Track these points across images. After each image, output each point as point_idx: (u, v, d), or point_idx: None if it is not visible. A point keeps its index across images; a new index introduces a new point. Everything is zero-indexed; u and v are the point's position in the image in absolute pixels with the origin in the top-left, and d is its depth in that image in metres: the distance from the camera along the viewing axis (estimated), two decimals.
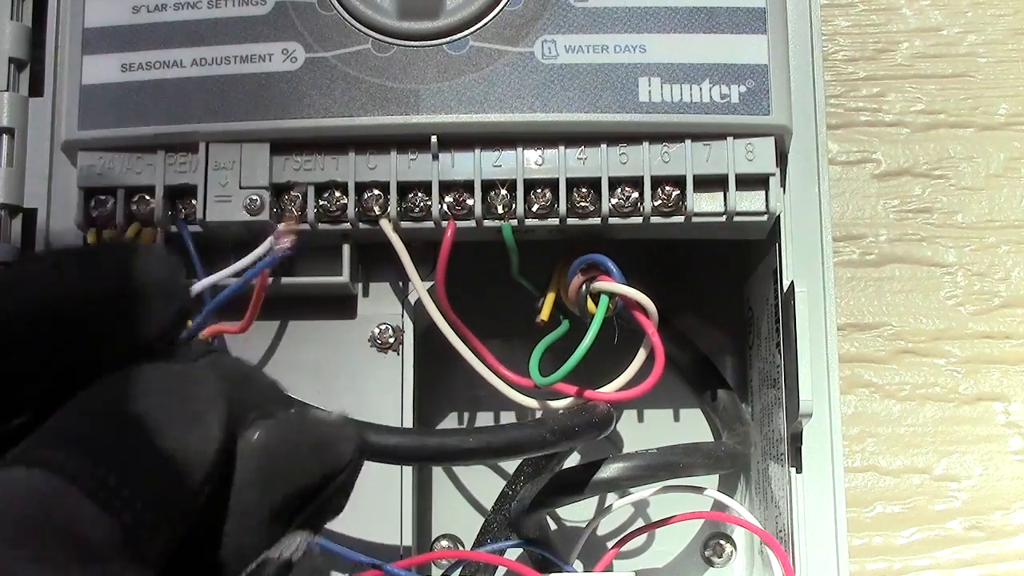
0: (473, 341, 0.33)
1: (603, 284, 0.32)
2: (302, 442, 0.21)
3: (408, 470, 0.34)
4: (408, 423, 0.35)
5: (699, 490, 0.35)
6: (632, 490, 0.35)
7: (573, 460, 0.37)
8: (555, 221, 0.33)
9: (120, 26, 0.33)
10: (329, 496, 0.21)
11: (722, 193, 0.33)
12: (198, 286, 0.32)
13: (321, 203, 0.33)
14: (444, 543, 0.38)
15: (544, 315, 0.34)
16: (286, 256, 0.31)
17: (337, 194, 0.33)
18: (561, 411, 0.33)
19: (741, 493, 0.39)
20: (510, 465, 0.38)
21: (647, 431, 0.39)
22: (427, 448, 0.30)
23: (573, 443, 0.32)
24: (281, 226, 0.31)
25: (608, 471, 0.33)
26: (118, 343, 0.20)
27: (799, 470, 0.32)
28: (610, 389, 0.32)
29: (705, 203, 0.33)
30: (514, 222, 0.33)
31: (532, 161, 0.33)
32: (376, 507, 0.34)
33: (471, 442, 0.30)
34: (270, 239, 0.31)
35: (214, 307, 0.31)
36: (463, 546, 0.38)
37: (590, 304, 0.32)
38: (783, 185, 0.34)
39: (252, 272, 0.31)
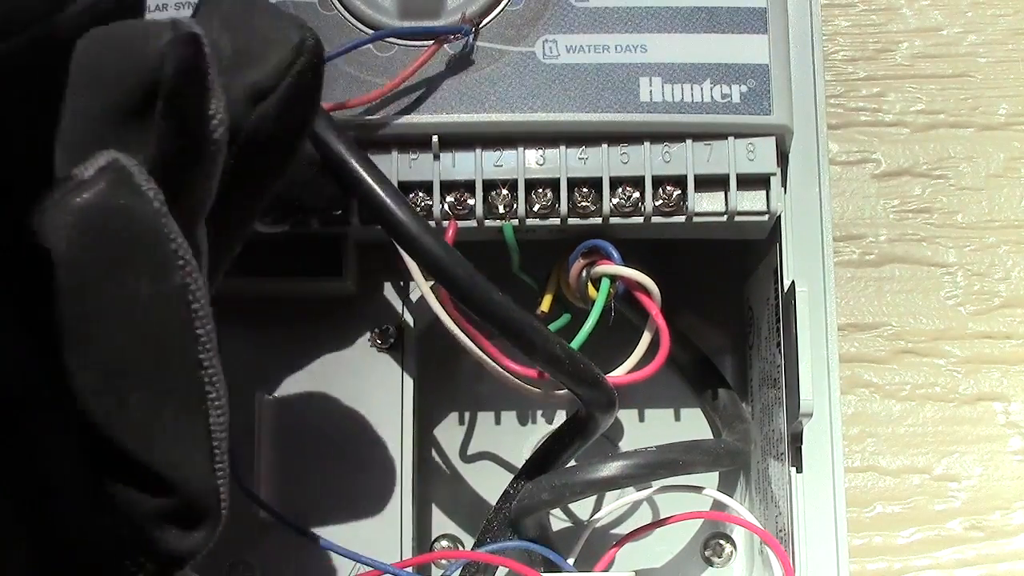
0: (476, 335, 0.33)
1: (604, 268, 0.32)
2: (111, 46, 0.20)
3: (408, 471, 0.34)
4: (408, 423, 0.35)
5: (698, 489, 0.35)
6: (633, 489, 0.35)
7: (573, 460, 0.37)
8: (556, 221, 0.33)
9: None
10: (174, 116, 0.20)
11: (723, 193, 0.33)
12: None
13: None
14: (444, 543, 0.38)
15: (544, 307, 0.34)
16: (466, 35, 0.31)
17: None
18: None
19: (741, 493, 0.39)
20: (511, 464, 0.38)
21: (647, 431, 0.39)
22: (457, 268, 0.29)
23: (577, 382, 0.31)
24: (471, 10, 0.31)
25: (608, 469, 0.33)
26: None
27: (799, 470, 0.32)
28: (618, 373, 0.32)
29: (706, 203, 0.33)
30: (515, 222, 0.33)
31: (533, 161, 0.33)
32: (376, 507, 0.34)
33: (497, 297, 0.29)
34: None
35: (360, 44, 0.31)
36: (463, 546, 0.38)
37: (591, 289, 0.33)
38: (784, 185, 0.34)
39: (431, 28, 0.31)
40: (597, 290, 0.32)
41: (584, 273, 0.33)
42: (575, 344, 0.31)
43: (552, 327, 0.34)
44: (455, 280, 0.29)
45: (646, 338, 0.32)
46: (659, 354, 0.31)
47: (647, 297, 0.32)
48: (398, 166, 0.32)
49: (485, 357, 0.33)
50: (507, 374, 0.33)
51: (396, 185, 0.32)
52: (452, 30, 0.31)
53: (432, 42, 0.31)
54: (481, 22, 0.31)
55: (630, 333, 0.33)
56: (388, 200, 0.29)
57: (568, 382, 0.32)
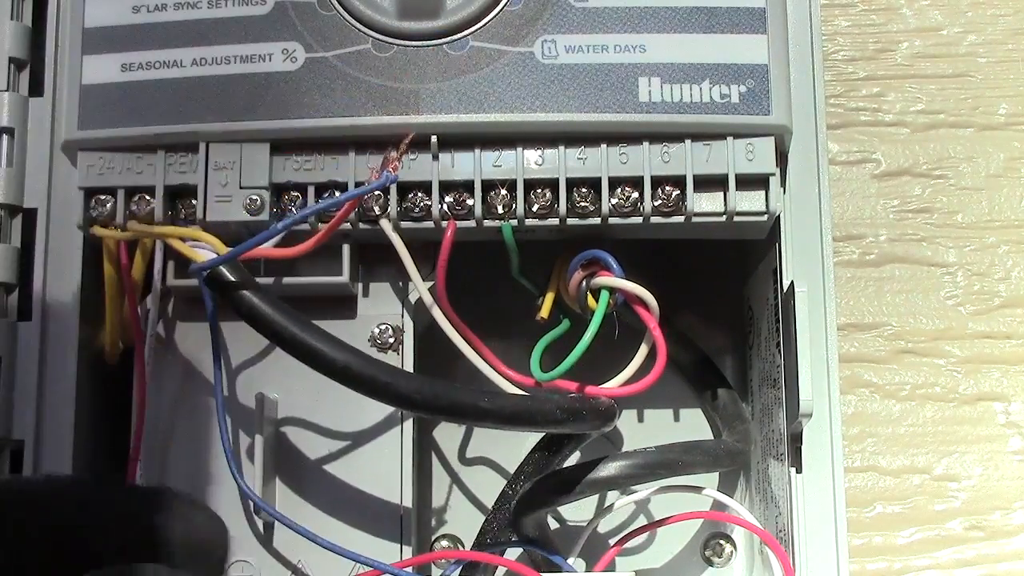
0: (474, 340, 0.33)
1: (603, 279, 0.32)
2: None
3: (408, 469, 0.35)
4: (407, 423, 0.35)
5: (698, 490, 0.35)
6: (633, 489, 0.35)
7: (572, 460, 0.37)
8: (555, 221, 0.33)
9: (120, 26, 0.33)
10: None
11: (722, 193, 0.33)
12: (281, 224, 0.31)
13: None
14: (444, 543, 0.38)
15: (544, 313, 0.34)
16: (391, 183, 0.31)
17: (337, 194, 0.33)
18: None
19: (741, 493, 0.39)
20: (511, 464, 0.38)
21: (647, 431, 0.39)
22: (440, 399, 0.30)
23: (580, 426, 0.32)
24: (392, 154, 0.31)
25: (607, 469, 0.33)
26: None
27: (799, 470, 0.32)
28: (613, 385, 0.32)
29: (705, 203, 0.33)
30: (514, 222, 0.33)
31: (532, 161, 0.33)
32: (376, 507, 0.34)
33: (485, 403, 0.31)
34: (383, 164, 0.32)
35: (293, 223, 0.31)
36: (463, 546, 0.38)
37: (590, 300, 0.33)
38: (783, 185, 0.34)
39: (353, 194, 0.31)
40: (596, 300, 0.32)
41: (584, 284, 0.33)
42: (575, 354, 0.31)
43: (551, 334, 0.34)
44: (452, 412, 0.31)
45: (643, 350, 0.32)
46: (656, 366, 0.31)
47: (645, 310, 0.32)
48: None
49: (482, 362, 0.33)
50: (503, 379, 0.33)
51: (395, 186, 0.32)
52: (375, 187, 0.31)
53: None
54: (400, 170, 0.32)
55: (631, 335, 0.33)
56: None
57: (576, 431, 0.33)
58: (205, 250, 0.31)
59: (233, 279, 0.31)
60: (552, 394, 0.32)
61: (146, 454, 0.34)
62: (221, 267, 0.31)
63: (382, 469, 0.34)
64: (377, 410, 0.35)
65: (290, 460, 0.35)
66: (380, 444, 0.35)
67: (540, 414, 0.31)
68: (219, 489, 0.34)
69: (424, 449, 0.39)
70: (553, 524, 0.38)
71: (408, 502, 0.34)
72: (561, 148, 0.32)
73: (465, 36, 0.33)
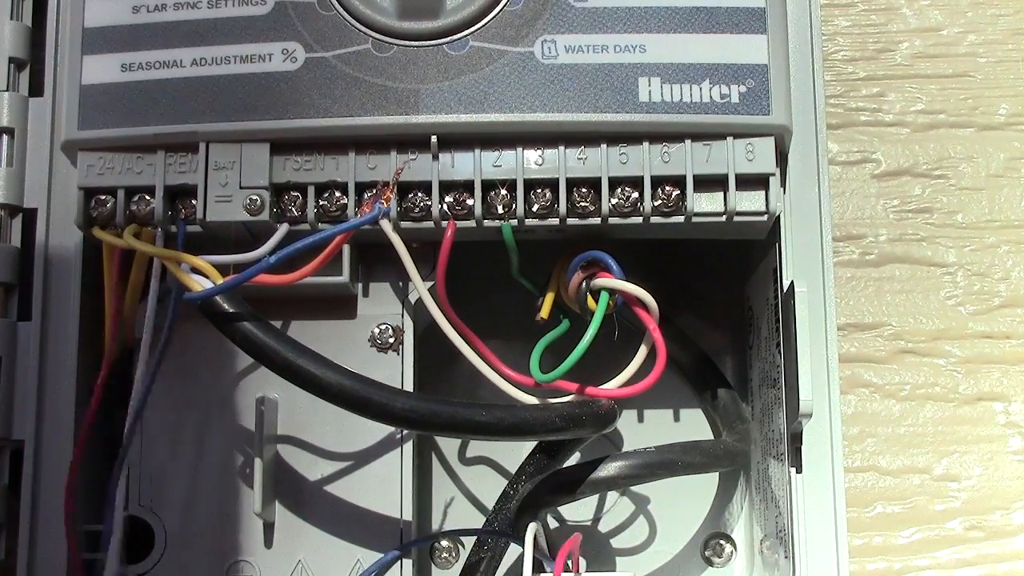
0: (474, 340, 0.33)
1: (603, 281, 0.32)
2: None
3: (408, 468, 0.35)
4: (407, 431, 0.35)
5: None
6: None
7: (573, 459, 0.37)
8: (555, 221, 0.33)
9: (120, 26, 0.33)
10: None
11: (722, 193, 0.33)
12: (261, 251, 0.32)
13: (321, 203, 0.33)
14: (444, 543, 0.38)
15: (544, 313, 0.34)
16: (383, 216, 0.31)
17: (337, 194, 0.33)
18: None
19: (741, 493, 0.39)
20: (511, 464, 0.38)
21: (647, 431, 0.39)
22: (439, 416, 0.31)
23: (580, 432, 0.32)
24: (384, 185, 0.32)
25: (607, 469, 0.33)
26: None
27: (799, 470, 0.32)
28: (612, 386, 0.32)
29: (705, 203, 0.33)
30: (514, 222, 0.33)
31: (532, 161, 0.33)
32: (376, 506, 0.34)
33: (483, 416, 0.31)
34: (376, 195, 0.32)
35: (290, 254, 0.31)
36: (463, 546, 0.38)
37: (590, 301, 0.33)
38: (783, 185, 0.34)
39: (349, 225, 0.32)
40: (596, 301, 0.32)
41: (583, 285, 0.33)
42: (574, 355, 0.31)
43: (551, 335, 0.34)
44: (466, 429, 0.31)
45: (643, 351, 0.32)
46: (656, 368, 0.31)
47: (645, 312, 0.32)
48: (396, 167, 0.32)
49: (482, 363, 0.33)
50: (503, 380, 0.33)
51: (395, 185, 0.32)
52: (367, 220, 0.32)
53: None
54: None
55: (631, 335, 0.33)
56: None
57: (576, 436, 0.33)
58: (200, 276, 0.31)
59: (226, 308, 0.31)
60: (550, 400, 0.32)
61: (146, 453, 0.35)
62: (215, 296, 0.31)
63: (383, 470, 0.34)
64: None
65: (291, 461, 0.35)
66: (381, 445, 0.35)
67: (540, 424, 0.31)
68: (217, 488, 0.34)
69: (425, 449, 0.39)
70: (553, 524, 0.38)
71: (408, 502, 0.34)
72: (561, 148, 0.33)
73: (465, 36, 0.33)
